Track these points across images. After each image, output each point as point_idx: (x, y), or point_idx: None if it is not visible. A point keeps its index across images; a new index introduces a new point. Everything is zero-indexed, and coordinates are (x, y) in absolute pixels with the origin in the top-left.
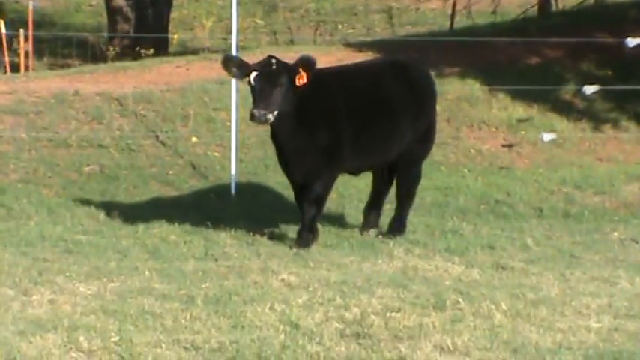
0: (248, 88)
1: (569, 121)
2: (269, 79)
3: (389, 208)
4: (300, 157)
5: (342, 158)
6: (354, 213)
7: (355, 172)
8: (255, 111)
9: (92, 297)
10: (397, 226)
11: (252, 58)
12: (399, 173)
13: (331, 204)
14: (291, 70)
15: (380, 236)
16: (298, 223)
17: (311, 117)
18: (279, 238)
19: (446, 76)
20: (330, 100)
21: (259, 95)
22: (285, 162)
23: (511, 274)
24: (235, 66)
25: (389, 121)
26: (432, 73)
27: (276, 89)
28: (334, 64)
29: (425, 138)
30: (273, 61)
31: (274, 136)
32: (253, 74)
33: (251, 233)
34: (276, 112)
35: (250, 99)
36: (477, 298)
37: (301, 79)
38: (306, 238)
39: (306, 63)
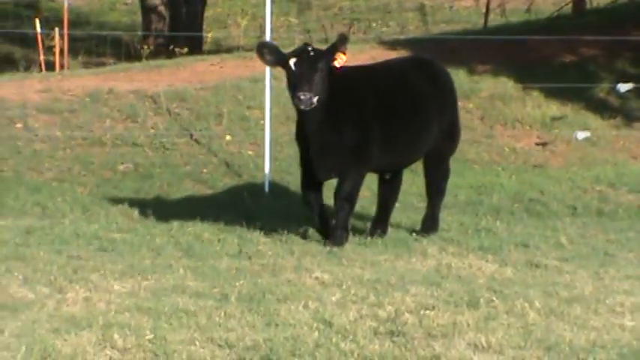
0: (283, 85)
1: (604, 119)
2: (310, 63)
3: (422, 206)
4: (327, 154)
5: (370, 155)
6: None
7: (382, 171)
8: (301, 94)
9: (126, 295)
10: (430, 224)
11: None
12: (427, 171)
13: (366, 202)
14: (328, 54)
15: (414, 234)
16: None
17: (340, 113)
18: (313, 236)
19: (480, 74)
20: (358, 97)
21: (302, 79)
22: (311, 159)
23: (545, 272)
24: (270, 53)
25: (415, 118)
26: (466, 71)
27: (317, 74)
28: (367, 62)
29: (450, 135)
30: (310, 48)
31: (301, 131)
32: (293, 60)
33: (285, 231)
34: (318, 98)
35: (284, 95)
36: (511, 296)
37: (341, 59)
38: (339, 236)
39: (345, 42)
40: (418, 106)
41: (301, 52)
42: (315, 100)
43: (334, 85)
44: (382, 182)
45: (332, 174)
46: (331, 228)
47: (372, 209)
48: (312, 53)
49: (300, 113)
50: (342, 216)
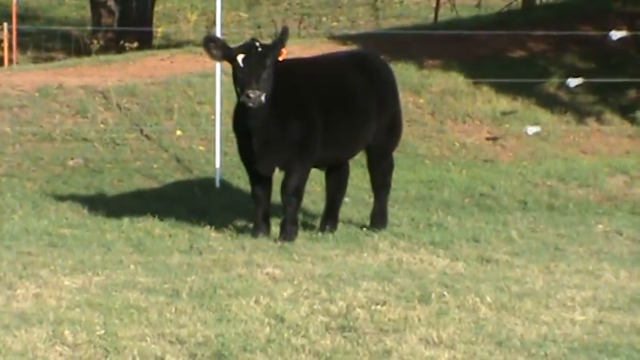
0: (231, 80)
1: (554, 114)
2: (258, 60)
3: (372, 201)
4: (271, 149)
5: (315, 149)
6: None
7: (321, 165)
8: (250, 92)
9: (77, 291)
10: (379, 219)
11: None
12: (371, 166)
13: (316, 197)
14: (275, 49)
15: (364, 229)
16: (281, 216)
17: (284, 107)
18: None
19: (430, 69)
20: (300, 90)
21: (251, 76)
22: (253, 153)
23: (496, 267)
24: (216, 47)
25: (354, 112)
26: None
27: (265, 70)
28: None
29: (391, 129)
30: (257, 43)
31: (241, 125)
32: (240, 56)
33: (236, 226)
34: (265, 94)
35: (235, 90)
36: (462, 291)
37: (283, 55)
38: (290, 231)
39: (287, 38)
40: (357, 100)
41: (249, 48)
42: (263, 97)
43: (276, 79)
44: (329, 177)
45: (275, 169)
46: (281, 223)
47: (322, 204)
48: (259, 49)
49: (244, 109)
50: (290, 211)
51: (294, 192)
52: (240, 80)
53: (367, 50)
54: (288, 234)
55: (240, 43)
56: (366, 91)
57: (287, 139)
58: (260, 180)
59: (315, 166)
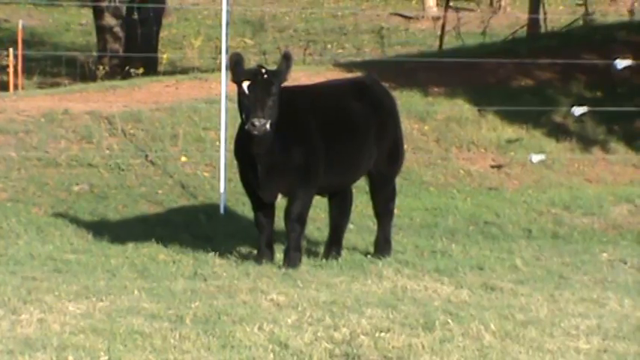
0: (236, 106)
1: (559, 142)
2: (264, 87)
3: (374, 228)
4: (275, 175)
5: (318, 175)
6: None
7: (323, 191)
8: (255, 120)
9: (81, 316)
10: (383, 246)
11: None
12: (373, 193)
13: (321, 224)
14: (279, 76)
15: (368, 256)
16: (285, 243)
17: (287, 132)
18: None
19: (435, 97)
20: (303, 116)
21: (256, 104)
22: (256, 179)
23: (500, 294)
24: (234, 66)
25: (354, 140)
26: (422, 94)
27: (270, 98)
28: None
29: (392, 157)
30: (264, 70)
31: (244, 152)
32: (246, 83)
33: (240, 253)
34: (270, 122)
35: (239, 117)
36: (466, 318)
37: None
38: (294, 257)
39: (292, 63)
40: (357, 126)
41: (255, 75)
42: (268, 125)
43: (279, 105)
44: (332, 204)
45: (278, 195)
46: (285, 250)
47: (326, 231)
48: (265, 76)
49: (248, 135)
50: (294, 237)
51: (297, 218)
52: (246, 107)
53: (368, 77)
54: (292, 261)
55: (246, 69)
56: (366, 117)
57: (290, 165)
58: (263, 206)
59: (317, 193)
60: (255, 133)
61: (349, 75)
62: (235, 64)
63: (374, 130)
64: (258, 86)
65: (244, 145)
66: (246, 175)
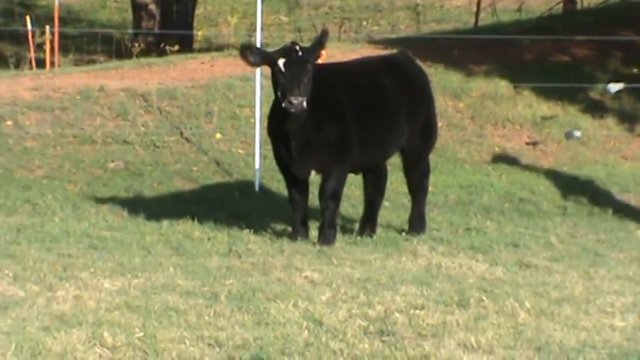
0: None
1: (594, 119)
2: (299, 64)
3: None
4: (309, 152)
5: (352, 152)
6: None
7: (356, 169)
8: (293, 98)
9: (116, 293)
10: (418, 223)
11: None
12: (407, 171)
13: (356, 201)
14: (314, 52)
15: (403, 234)
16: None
17: (321, 110)
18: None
19: (471, 74)
20: (336, 93)
21: (293, 82)
22: (290, 156)
23: (535, 272)
24: (253, 54)
25: (385, 116)
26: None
27: (306, 75)
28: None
29: (425, 133)
30: (298, 47)
31: (278, 129)
32: (281, 61)
33: (275, 230)
34: (306, 99)
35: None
36: (501, 296)
37: (322, 57)
38: (328, 234)
39: (327, 40)
40: (389, 104)
41: (290, 52)
42: (305, 103)
43: (313, 82)
44: (366, 181)
45: (311, 171)
46: (319, 227)
47: (361, 208)
48: (300, 53)
49: (282, 112)
50: (328, 214)
51: (332, 195)
52: (282, 85)
53: (402, 54)
54: (326, 238)
55: (280, 47)
56: (398, 94)
57: (324, 141)
58: (297, 183)
59: (350, 171)
60: (293, 110)
61: (384, 52)
62: (251, 48)
63: (406, 107)
64: (294, 63)
65: (278, 122)
66: (279, 152)
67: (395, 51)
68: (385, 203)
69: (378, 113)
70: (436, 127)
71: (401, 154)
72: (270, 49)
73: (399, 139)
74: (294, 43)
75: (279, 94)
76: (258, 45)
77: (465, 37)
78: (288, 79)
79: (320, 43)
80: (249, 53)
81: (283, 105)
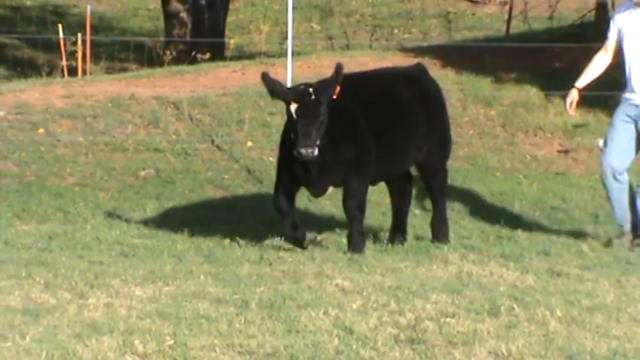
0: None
1: None
2: (310, 112)
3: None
4: (327, 171)
5: (369, 163)
6: (409, 219)
7: (373, 181)
8: (302, 150)
9: (147, 301)
10: (441, 227)
11: (308, 62)
12: (428, 179)
13: (386, 208)
14: (327, 93)
15: (434, 242)
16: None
17: (336, 126)
18: (334, 242)
19: (502, 82)
20: (351, 107)
21: (304, 132)
22: (308, 179)
23: (566, 280)
24: (271, 87)
25: (402, 128)
26: (488, 79)
27: (317, 122)
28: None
29: (442, 145)
30: (311, 90)
31: (291, 156)
32: (294, 106)
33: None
34: (318, 143)
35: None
36: (532, 304)
37: (336, 93)
38: (357, 242)
39: (341, 76)
40: (404, 118)
41: (302, 96)
42: (316, 151)
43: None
44: (391, 189)
45: (327, 190)
46: (347, 236)
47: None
48: (313, 97)
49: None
50: (356, 224)
51: (357, 208)
52: (295, 132)
53: (417, 67)
54: (356, 245)
55: (294, 87)
56: (414, 108)
57: (340, 159)
58: (288, 192)
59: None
60: (303, 159)
61: (415, 60)
62: (272, 82)
63: (422, 121)
64: (306, 110)
65: (292, 156)
66: (290, 169)
67: (427, 59)
68: (415, 211)
69: (393, 127)
70: (450, 139)
71: (417, 168)
72: (304, 60)
73: (415, 152)
74: (306, 86)
75: (292, 136)
76: (289, 53)
77: (497, 45)
78: (300, 127)
79: (335, 80)
80: (267, 84)
81: (294, 153)
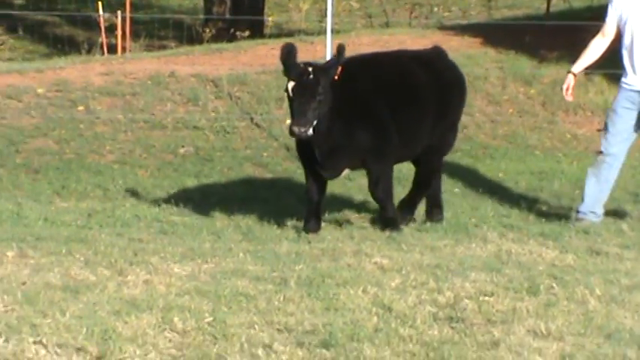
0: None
1: None
2: (306, 91)
3: (484, 192)
4: (338, 155)
5: (391, 146)
6: (447, 196)
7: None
8: (295, 128)
9: (186, 278)
10: (407, 212)
11: (347, 40)
12: (424, 162)
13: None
14: (327, 73)
15: (472, 220)
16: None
17: (348, 111)
18: (373, 220)
19: (542, 60)
20: (365, 91)
21: (298, 110)
22: (317, 161)
23: (605, 259)
24: (285, 57)
25: (416, 111)
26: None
27: (314, 101)
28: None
29: (450, 131)
30: (310, 69)
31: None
32: (291, 84)
33: (344, 215)
34: (314, 123)
35: None
36: (571, 283)
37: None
38: (392, 221)
39: (343, 57)
40: (419, 99)
41: (300, 75)
42: (310, 131)
43: (339, 81)
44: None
45: (341, 173)
46: (380, 217)
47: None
48: (311, 76)
49: None
50: (385, 206)
51: (383, 192)
52: (290, 109)
53: (435, 50)
54: (391, 224)
55: (298, 64)
56: (426, 91)
57: (356, 144)
58: (317, 180)
59: None
60: (295, 137)
61: (455, 38)
62: (287, 55)
63: (433, 104)
64: (302, 90)
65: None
66: (304, 155)
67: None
68: (455, 190)
69: (407, 109)
70: (457, 130)
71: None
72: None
73: (428, 136)
74: (306, 65)
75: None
76: (329, 31)
77: (537, 23)
78: (295, 105)
79: (337, 60)
80: (283, 54)
81: (287, 131)
